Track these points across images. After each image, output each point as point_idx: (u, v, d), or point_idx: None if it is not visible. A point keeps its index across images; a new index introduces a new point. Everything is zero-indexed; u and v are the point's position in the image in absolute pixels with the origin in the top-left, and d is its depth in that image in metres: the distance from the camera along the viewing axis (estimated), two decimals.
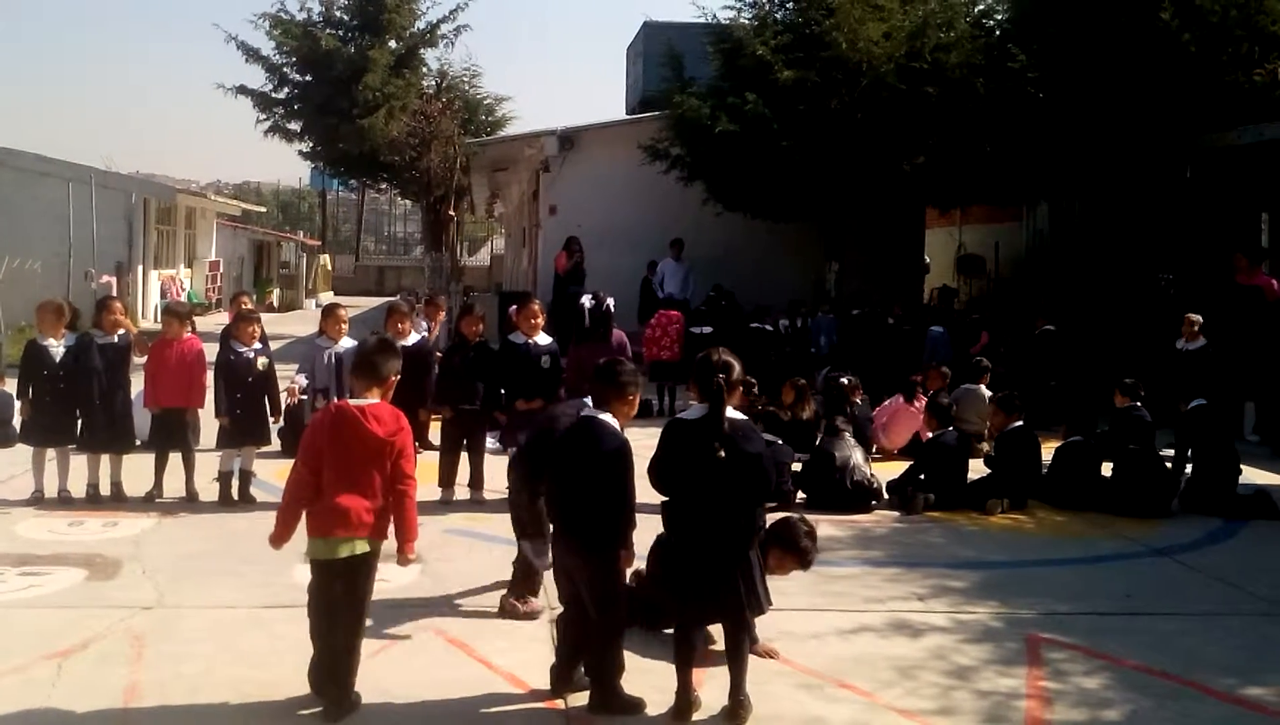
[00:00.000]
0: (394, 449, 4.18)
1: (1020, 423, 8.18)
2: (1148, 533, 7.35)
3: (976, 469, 8.29)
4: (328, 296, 33.84)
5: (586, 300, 7.95)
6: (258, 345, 7.74)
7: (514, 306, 8.29)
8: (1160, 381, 10.05)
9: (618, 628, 4.22)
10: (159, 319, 21.90)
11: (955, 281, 20.40)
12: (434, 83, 28.08)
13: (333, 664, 4.16)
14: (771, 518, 5.01)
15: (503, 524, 7.12)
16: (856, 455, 7.87)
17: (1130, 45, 12.24)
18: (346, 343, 7.72)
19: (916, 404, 9.63)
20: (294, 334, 18.15)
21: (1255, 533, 7.49)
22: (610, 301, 8.90)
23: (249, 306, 8.77)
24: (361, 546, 4.15)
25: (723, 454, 4.01)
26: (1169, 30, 11.98)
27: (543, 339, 7.78)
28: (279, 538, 4.23)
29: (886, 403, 9.84)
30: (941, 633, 5.27)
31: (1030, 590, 6.00)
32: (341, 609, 4.15)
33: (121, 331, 7.59)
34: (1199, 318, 10.36)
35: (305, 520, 4.19)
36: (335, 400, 7.42)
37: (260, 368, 7.63)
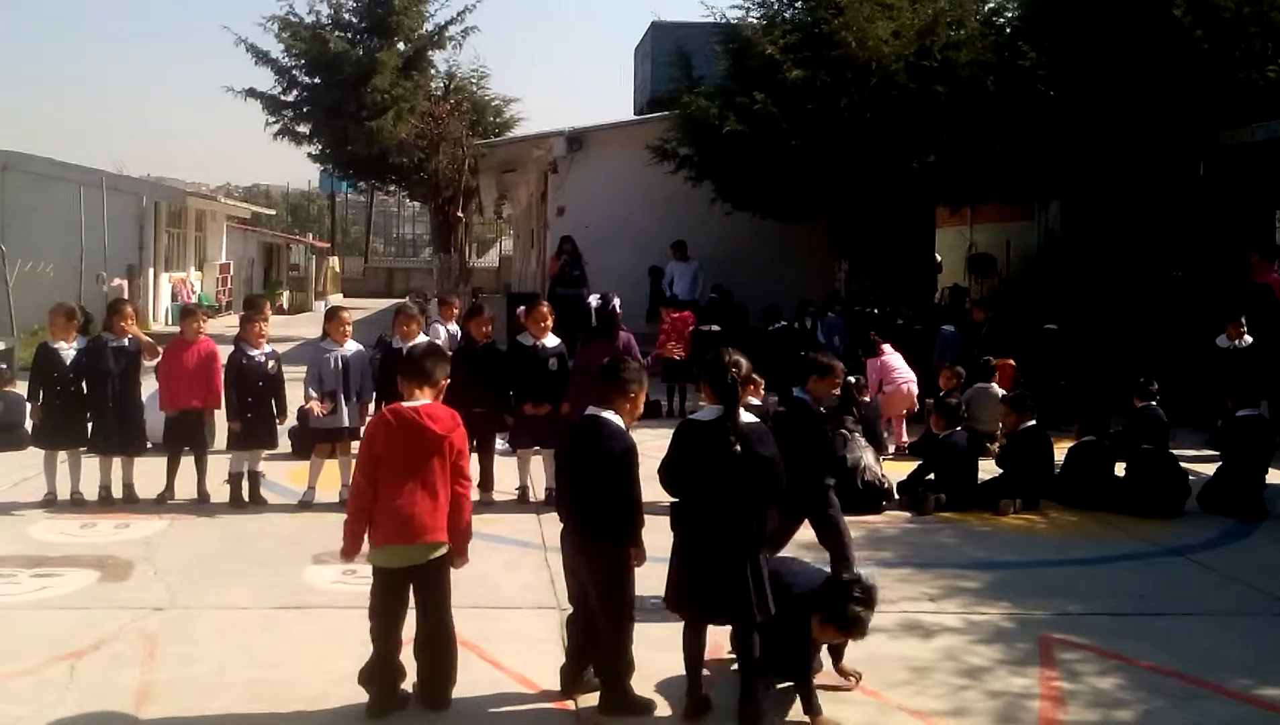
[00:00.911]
0: (453, 447, 4.23)
1: (1033, 422, 8.14)
2: (1161, 532, 7.30)
3: (987, 469, 8.25)
4: (337, 298, 33.92)
5: (594, 300, 7.95)
6: (268, 348, 7.77)
7: (521, 307, 8.28)
8: (1203, 380, 9.95)
9: (624, 628, 4.21)
10: (170, 321, 22.05)
11: (966, 281, 20.30)
12: (442, 85, 28.12)
13: (390, 663, 4.20)
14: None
15: (511, 525, 7.15)
16: (867, 456, 7.84)
17: (1142, 42, 12.17)
18: (351, 347, 7.74)
19: (882, 356, 10.11)
20: (304, 336, 18.14)
21: (1270, 532, 7.44)
22: (616, 301, 8.89)
23: (266, 312, 8.80)
24: (443, 548, 4.22)
25: (739, 449, 4.00)
26: (1181, 26, 11.91)
27: (551, 341, 7.78)
28: (350, 550, 4.23)
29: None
30: (953, 633, 5.24)
31: (1043, 590, 5.96)
32: (431, 608, 4.22)
33: (130, 336, 7.62)
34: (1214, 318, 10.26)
35: (375, 528, 4.17)
36: (352, 402, 7.57)
37: (270, 371, 7.66)
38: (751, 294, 14.90)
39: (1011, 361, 10.71)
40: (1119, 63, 12.34)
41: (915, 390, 10.25)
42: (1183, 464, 8.18)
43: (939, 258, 20.53)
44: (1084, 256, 16.64)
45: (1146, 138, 12.43)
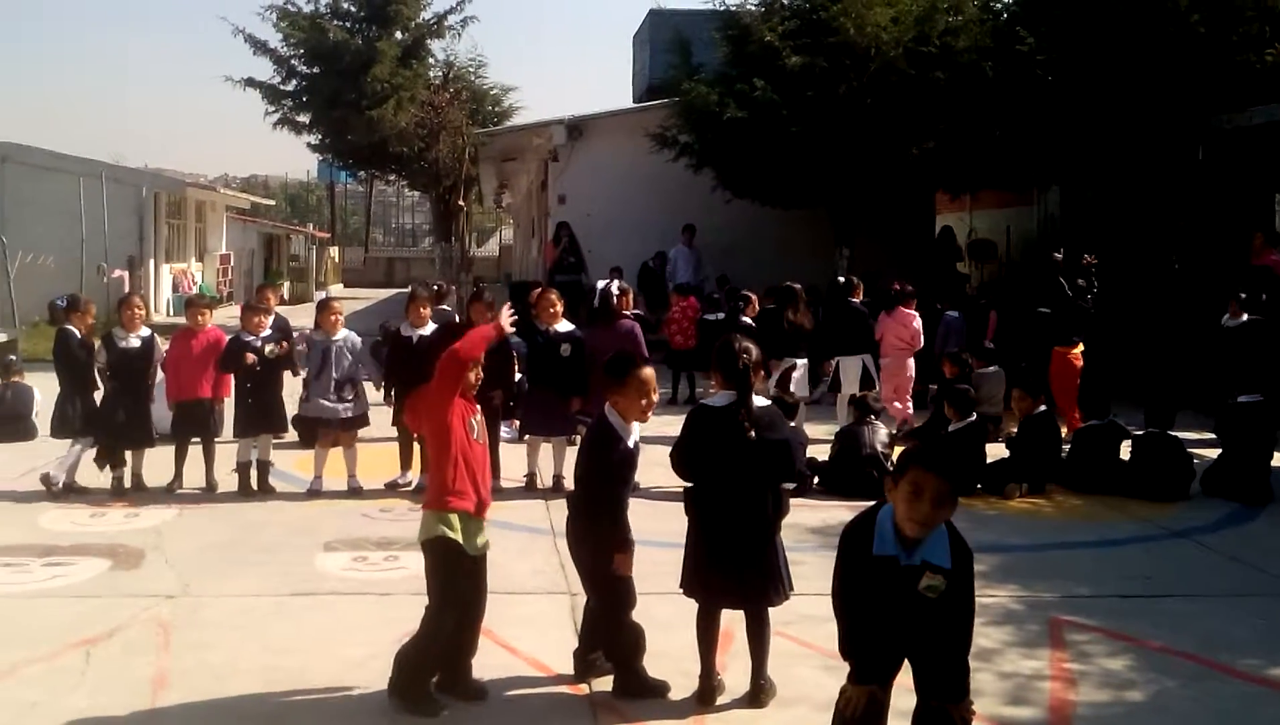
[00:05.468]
0: None
1: (1044, 407, 8.17)
2: (1166, 515, 7.34)
3: (992, 452, 8.27)
4: (337, 289, 33.89)
5: (600, 284, 8.04)
6: (266, 332, 7.76)
7: (536, 292, 8.37)
8: (1205, 360, 9.94)
9: (615, 611, 4.25)
10: (171, 313, 22.01)
11: (967, 266, 20.30)
12: (441, 74, 28.06)
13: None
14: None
15: (520, 511, 7.18)
16: (880, 435, 7.88)
17: (1139, 26, 12.16)
18: (343, 334, 7.76)
19: (902, 310, 10.14)
20: (305, 326, 18.20)
21: (1273, 516, 7.47)
22: (615, 286, 8.90)
23: (269, 301, 8.83)
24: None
25: (753, 435, 4.03)
26: (1179, 10, 11.91)
27: (563, 326, 7.80)
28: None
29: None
30: None
31: (1050, 573, 5.99)
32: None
33: (146, 331, 7.64)
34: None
35: (460, 499, 4.25)
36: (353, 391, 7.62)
37: (268, 354, 7.62)
38: (752, 282, 14.88)
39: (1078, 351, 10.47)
40: (1116, 47, 12.33)
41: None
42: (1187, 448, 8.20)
43: (960, 243, 20.32)
44: (1083, 241, 16.64)
45: (1145, 122, 12.42)
